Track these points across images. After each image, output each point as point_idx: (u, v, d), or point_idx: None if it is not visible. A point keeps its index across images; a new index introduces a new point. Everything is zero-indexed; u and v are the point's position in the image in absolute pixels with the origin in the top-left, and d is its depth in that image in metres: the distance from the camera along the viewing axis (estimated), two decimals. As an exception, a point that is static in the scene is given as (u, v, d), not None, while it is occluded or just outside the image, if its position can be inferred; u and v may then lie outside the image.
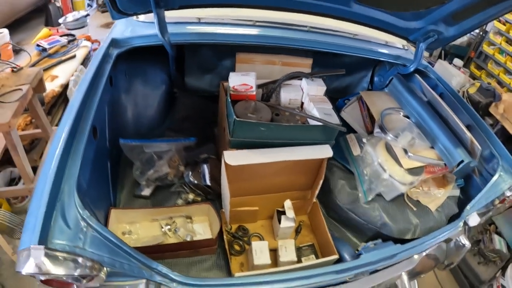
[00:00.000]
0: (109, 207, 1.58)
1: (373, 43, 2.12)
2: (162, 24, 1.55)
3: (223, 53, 2.09)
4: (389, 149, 1.68)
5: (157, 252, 1.51)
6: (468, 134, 1.74)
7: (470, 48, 4.06)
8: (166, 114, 2.13)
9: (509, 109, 3.13)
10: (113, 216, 1.57)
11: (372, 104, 1.92)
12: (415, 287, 2.07)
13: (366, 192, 1.65)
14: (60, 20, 3.54)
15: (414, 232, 1.70)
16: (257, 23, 1.89)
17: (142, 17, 1.83)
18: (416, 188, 1.79)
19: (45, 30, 3.42)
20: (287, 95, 1.70)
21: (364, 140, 1.72)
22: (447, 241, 1.78)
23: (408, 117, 1.91)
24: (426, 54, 3.95)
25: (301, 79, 1.75)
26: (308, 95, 1.67)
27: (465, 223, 1.71)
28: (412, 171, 1.65)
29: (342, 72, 1.83)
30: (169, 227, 1.69)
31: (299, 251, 1.67)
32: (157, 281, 1.14)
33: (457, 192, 1.85)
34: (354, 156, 1.75)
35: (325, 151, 1.52)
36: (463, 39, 4.03)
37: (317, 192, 1.64)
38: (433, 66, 3.65)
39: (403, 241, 1.55)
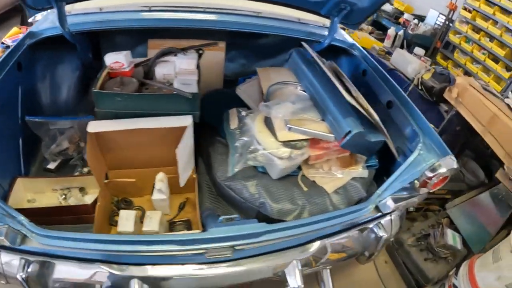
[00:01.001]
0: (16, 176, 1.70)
1: (286, 21, 2.08)
2: (61, 16, 1.70)
3: (136, 40, 2.15)
4: (267, 122, 1.61)
5: (37, 215, 1.51)
6: (364, 103, 1.60)
7: (435, 38, 3.90)
8: (82, 98, 2.19)
9: (463, 93, 2.90)
10: (20, 184, 1.70)
11: (267, 79, 1.86)
12: (328, 278, 1.79)
13: (234, 165, 1.59)
14: (30, 19, 3.72)
15: (300, 214, 1.55)
16: (153, 8, 1.91)
17: None
18: (315, 167, 1.69)
19: (15, 29, 3.59)
20: (160, 71, 1.72)
21: (244, 113, 1.69)
22: (362, 230, 1.66)
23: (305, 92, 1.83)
24: (387, 44, 3.84)
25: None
26: (179, 69, 1.68)
27: (378, 209, 1.56)
28: (289, 144, 1.54)
29: (215, 43, 1.82)
30: (64, 196, 1.78)
31: (172, 225, 1.66)
32: (17, 229, 1.21)
33: (365, 173, 1.71)
34: (230, 129, 1.70)
35: (182, 120, 1.51)
36: (427, 28, 3.87)
37: (179, 165, 1.56)
38: (391, 55, 3.55)
39: None
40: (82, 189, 1.80)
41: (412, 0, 4.37)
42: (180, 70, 1.69)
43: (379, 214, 1.58)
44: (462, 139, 3.14)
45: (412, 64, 3.31)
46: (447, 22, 3.82)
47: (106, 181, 1.72)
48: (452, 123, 3.00)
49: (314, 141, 1.62)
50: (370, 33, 4.11)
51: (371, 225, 1.66)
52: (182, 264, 1.40)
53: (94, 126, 1.50)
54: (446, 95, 3.05)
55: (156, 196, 1.60)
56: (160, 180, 1.60)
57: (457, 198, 2.82)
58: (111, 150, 1.66)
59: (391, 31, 3.84)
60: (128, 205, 1.74)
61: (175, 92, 1.51)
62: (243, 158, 1.57)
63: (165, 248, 1.26)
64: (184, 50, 1.75)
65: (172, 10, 1.93)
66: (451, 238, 2.46)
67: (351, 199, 1.65)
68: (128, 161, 1.68)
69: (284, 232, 1.35)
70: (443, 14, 3.90)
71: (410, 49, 3.73)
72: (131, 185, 1.70)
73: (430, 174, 1.52)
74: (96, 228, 1.53)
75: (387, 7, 4.19)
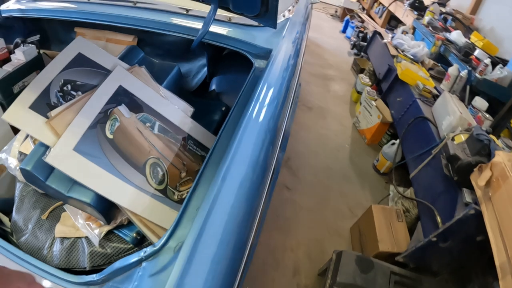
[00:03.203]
0: None
1: (174, 14, 1.71)
2: None
3: (68, 27, 2.12)
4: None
5: None
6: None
7: (518, 90, 2.48)
8: None
9: (497, 181, 1.59)
10: None
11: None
12: None
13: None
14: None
15: (17, 239, 1.19)
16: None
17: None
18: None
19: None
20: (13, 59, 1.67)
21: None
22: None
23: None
24: (445, 86, 2.70)
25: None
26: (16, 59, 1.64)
27: None
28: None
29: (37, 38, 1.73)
30: None
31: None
32: None
33: (95, 239, 1.11)
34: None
35: None
36: (503, 74, 2.50)
37: None
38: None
39: None
40: None
41: (499, 38, 2.96)
42: (17, 60, 1.63)
43: None
44: (486, 256, 1.86)
45: (450, 116, 2.22)
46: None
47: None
48: (466, 226, 1.73)
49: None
50: (429, 69, 3.02)
51: None
52: None
53: None
54: (473, 177, 1.83)
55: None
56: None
57: None
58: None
59: (453, 70, 2.71)
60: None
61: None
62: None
63: None
64: (24, 42, 1.69)
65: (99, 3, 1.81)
66: None
67: (72, 262, 1.13)
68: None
69: None
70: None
71: (471, 99, 2.54)
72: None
73: None
74: None
75: (460, 39, 2.96)
